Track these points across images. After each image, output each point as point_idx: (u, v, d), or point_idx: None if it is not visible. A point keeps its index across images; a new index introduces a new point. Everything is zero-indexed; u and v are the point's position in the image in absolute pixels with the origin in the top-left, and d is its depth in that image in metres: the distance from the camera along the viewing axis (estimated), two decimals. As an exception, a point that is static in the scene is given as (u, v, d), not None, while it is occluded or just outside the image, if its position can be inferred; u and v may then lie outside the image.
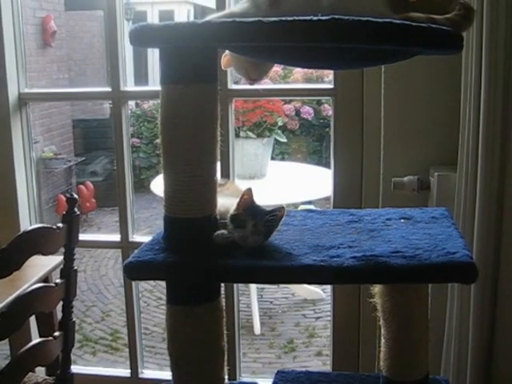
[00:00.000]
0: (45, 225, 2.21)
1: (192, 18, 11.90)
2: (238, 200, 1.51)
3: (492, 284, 2.20)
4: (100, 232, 7.59)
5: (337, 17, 1.19)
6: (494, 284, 2.21)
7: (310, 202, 5.75)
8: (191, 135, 1.44)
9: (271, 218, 1.50)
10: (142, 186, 8.09)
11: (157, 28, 1.34)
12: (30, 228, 2.15)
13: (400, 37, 1.22)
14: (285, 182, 4.99)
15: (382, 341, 1.73)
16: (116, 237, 3.00)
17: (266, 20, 1.21)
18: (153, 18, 11.52)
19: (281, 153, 8.22)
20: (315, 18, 1.18)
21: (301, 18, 1.19)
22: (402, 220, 1.75)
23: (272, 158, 5.56)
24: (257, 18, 1.22)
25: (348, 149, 2.65)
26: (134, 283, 2.98)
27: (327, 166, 8.15)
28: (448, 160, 2.39)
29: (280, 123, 5.31)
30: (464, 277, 1.44)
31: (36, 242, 2.12)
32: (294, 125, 7.88)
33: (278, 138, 5.35)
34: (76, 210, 2.33)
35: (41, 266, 2.54)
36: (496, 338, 2.24)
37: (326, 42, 1.21)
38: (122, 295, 3.19)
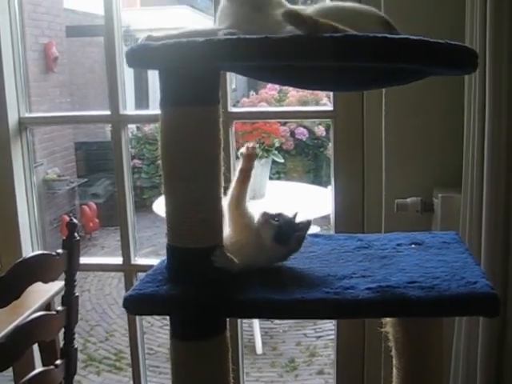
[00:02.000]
0: (44, 252, 2.09)
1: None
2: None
3: (500, 307, 2.05)
4: (104, 251, 7.47)
5: (352, 33, 1.05)
6: (503, 307, 2.05)
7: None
8: (193, 161, 1.29)
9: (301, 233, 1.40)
10: (144, 206, 7.96)
11: (155, 48, 1.19)
12: (29, 255, 2.03)
13: (419, 55, 1.08)
14: (284, 202, 4.90)
15: (394, 371, 1.57)
16: (118, 260, 2.86)
17: (274, 36, 1.06)
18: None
19: (277, 172, 8.12)
20: (328, 36, 1.03)
21: (313, 35, 1.04)
22: (413, 245, 1.61)
23: (269, 178, 5.47)
24: (263, 35, 1.07)
25: (349, 170, 2.52)
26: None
27: (322, 184, 8.09)
28: (452, 180, 2.26)
29: (277, 144, 5.25)
30: (487, 310, 1.28)
31: (35, 270, 2.00)
32: (289, 145, 7.78)
33: (275, 158, 5.26)
34: (76, 235, 2.21)
35: (42, 292, 2.41)
36: (505, 363, 2.09)
37: (338, 60, 1.06)
38: (126, 315, 3.05)
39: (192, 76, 1.23)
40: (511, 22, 1.93)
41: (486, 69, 1.96)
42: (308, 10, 1.24)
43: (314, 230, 7.37)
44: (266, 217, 1.40)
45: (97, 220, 7.89)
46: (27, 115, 2.85)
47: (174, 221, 1.34)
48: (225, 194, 1.41)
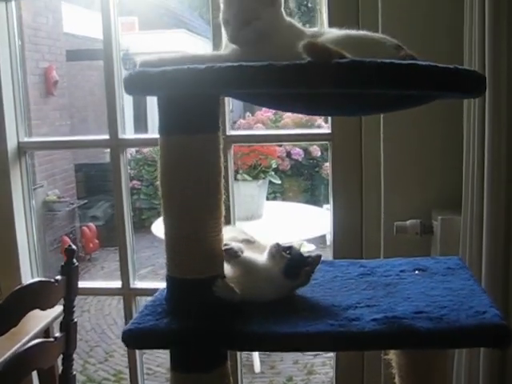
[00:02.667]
0: (42, 279, 2.03)
1: (187, 67, 11.83)
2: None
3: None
4: (103, 271, 7.38)
5: (358, 59, 0.99)
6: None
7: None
8: (193, 189, 1.23)
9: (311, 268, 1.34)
10: (143, 226, 7.89)
11: (154, 75, 1.12)
12: (28, 283, 1.97)
13: (428, 81, 1.02)
14: (281, 222, 4.86)
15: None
16: (117, 283, 2.78)
17: (278, 63, 1.00)
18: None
19: (273, 192, 8.07)
20: (335, 62, 0.97)
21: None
22: (417, 272, 1.54)
23: (266, 198, 5.43)
24: (267, 62, 1.01)
25: (347, 192, 2.46)
26: (134, 314, 2.75)
27: (318, 203, 8.04)
28: (451, 202, 2.20)
29: (274, 165, 5.21)
30: (498, 342, 1.20)
31: (34, 298, 1.94)
32: (285, 166, 7.75)
33: (272, 180, 5.22)
34: (75, 260, 2.14)
35: (40, 317, 2.32)
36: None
37: (346, 87, 1.00)
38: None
39: (192, 103, 1.17)
40: (509, 39, 1.88)
41: (486, 94, 1.90)
42: (319, 38, 1.19)
43: (309, 248, 7.35)
44: (278, 249, 1.33)
45: (96, 241, 7.82)
46: (26, 139, 2.78)
47: (174, 251, 1.27)
48: (225, 223, 1.34)
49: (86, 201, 8.14)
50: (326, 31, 1.27)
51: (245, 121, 7.02)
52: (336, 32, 1.25)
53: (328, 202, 7.66)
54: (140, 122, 11.34)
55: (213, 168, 1.25)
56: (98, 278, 7.02)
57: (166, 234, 1.29)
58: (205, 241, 1.25)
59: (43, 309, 2.00)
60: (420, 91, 1.07)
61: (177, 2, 14.97)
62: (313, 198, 8.57)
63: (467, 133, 2.04)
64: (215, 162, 1.25)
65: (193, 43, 12.12)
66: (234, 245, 1.33)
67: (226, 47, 1.29)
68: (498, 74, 1.89)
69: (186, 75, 1.08)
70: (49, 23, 7.41)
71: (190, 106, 1.18)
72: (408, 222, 2.26)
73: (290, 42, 1.23)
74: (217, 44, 2.43)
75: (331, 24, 2.34)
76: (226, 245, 1.32)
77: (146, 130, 11.62)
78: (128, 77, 1.16)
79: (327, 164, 8.16)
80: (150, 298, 1.42)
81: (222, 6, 1.29)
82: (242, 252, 1.32)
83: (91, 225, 7.84)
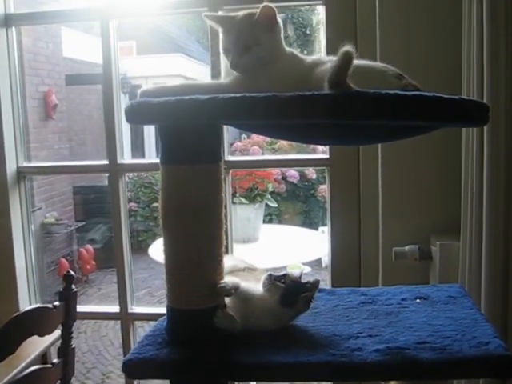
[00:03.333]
0: (41, 305, 1.99)
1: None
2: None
3: None
4: (100, 293, 7.32)
5: (361, 90, 0.97)
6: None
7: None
8: (194, 220, 1.20)
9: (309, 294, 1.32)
10: (139, 248, 7.85)
11: (155, 105, 1.10)
12: (26, 309, 1.93)
13: (433, 112, 0.99)
14: (277, 245, 4.83)
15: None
16: (115, 308, 2.74)
17: (282, 94, 0.98)
18: (147, 90, 11.46)
19: (269, 214, 8.04)
20: (340, 94, 0.95)
21: (326, 92, 0.96)
22: (418, 300, 1.51)
23: (262, 221, 5.40)
24: (270, 94, 0.99)
25: (345, 218, 2.43)
26: (132, 342, 2.72)
27: (313, 225, 8.01)
28: (450, 227, 2.17)
29: (271, 189, 5.19)
30: (502, 373, 1.17)
31: (32, 324, 1.91)
32: (280, 188, 7.72)
33: (269, 203, 5.20)
34: (73, 286, 2.10)
35: (38, 342, 2.28)
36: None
37: (349, 119, 0.97)
38: (122, 356, 2.94)
39: (194, 133, 1.15)
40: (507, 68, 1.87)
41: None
42: (319, 66, 1.17)
43: (305, 269, 7.27)
44: (272, 279, 1.30)
45: (93, 262, 7.77)
46: (25, 164, 2.75)
47: (174, 281, 1.25)
48: (226, 252, 1.32)
49: (83, 223, 8.09)
50: (326, 60, 1.26)
51: (241, 143, 7.01)
52: None
53: (323, 225, 7.62)
54: (137, 145, 11.34)
55: (214, 198, 1.22)
56: (95, 300, 6.97)
57: (166, 264, 1.26)
58: (205, 271, 1.23)
59: (41, 335, 1.97)
60: (425, 122, 1.05)
61: (174, 26, 15.03)
62: (308, 220, 8.53)
63: (466, 158, 2.02)
64: (217, 192, 1.23)
65: (190, 67, 12.16)
66: (229, 281, 1.29)
67: (226, 76, 1.28)
68: (496, 100, 1.87)
69: (188, 106, 1.06)
70: (49, 48, 7.41)
71: (192, 136, 1.16)
72: (407, 248, 2.23)
73: (290, 69, 1.22)
74: (215, 69, 2.42)
75: (329, 51, 2.33)
76: (220, 283, 1.29)
77: (142, 152, 11.62)
78: (129, 107, 1.14)
79: (322, 187, 8.15)
80: (149, 328, 1.39)
81: (221, 35, 1.27)
82: (237, 288, 1.29)
83: (89, 246, 7.80)
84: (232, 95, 1.03)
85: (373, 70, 1.18)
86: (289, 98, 0.98)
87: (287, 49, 1.27)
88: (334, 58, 1.23)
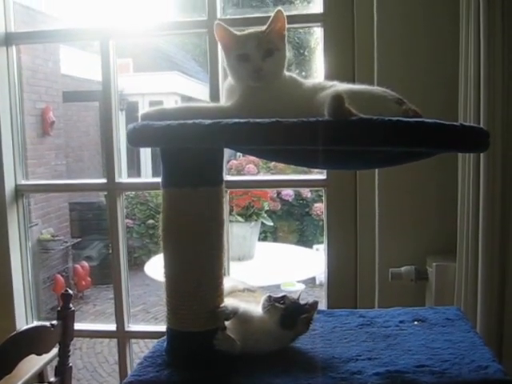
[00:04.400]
0: (38, 324, 1.99)
1: (180, 108, 11.87)
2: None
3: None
4: (95, 309, 7.27)
5: (364, 118, 0.97)
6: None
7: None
8: (195, 242, 1.20)
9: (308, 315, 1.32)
10: (135, 264, 7.83)
11: (158, 128, 1.10)
12: (24, 328, 1.93)
13: (434, 139, 1.00)
14: (272, 263, 4.83)
15: None
16: (112, 326, 2.73)
17: (286, 121, 0.98)
18: (144, 108, 11.45)
19: (264, 232, 8.03)
20: (343, 121, 0.95)
21: (329, 119, 0.96)
22: (416, 322, 1.51)
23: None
24: (274, 119, 0.99)
25: (341, 239, 2.43)
26: (128, 360, 2.70)
27: (308, 243, 7.99)
28: (446, 248, 2.18)
29: (266, 208, 5.19)
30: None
31: (30, 343, 1.90)
32: (275, 206, 7.72)
33: (265, 221, 5.20)
34: (71, 305, 2.09)
35: (35, 360, 2.25)
36: None
37: (353, 145, 0.98)
38: (117, 372, 2.94)
39: (195, 157, 1.15)
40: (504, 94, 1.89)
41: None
42: (320, 91, 1.18)
43: (299, 287, 7.28)
44: (271, 300, 1.30)
45: (89, 279, 7.73)
46: (24, 182, 2.75)
47: (175, 304, 1.24)
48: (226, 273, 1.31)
49: (79, 239, 8.06)
50: (327, 84, 1.26)
51: (237, 161, 7.02)
52: (338, 85, 1.24)
53: (318, 242, 7.61)
54: (133, 160, 11.34)
55: (215, 221, 1.22)
56: (90, 317, 6.92)
57: (166, 286, 1.26)
58: (206, 294, 1.23)
59: (39, 354, 1.96)
60: (427, 149, 1.05)
61: (171, 44, 15.06)
62: (303, 238, 8.52)
63: (462, 179, 2.03)
64: (218, 214, 1.23)
65: (186, 85, 12.18)
66: (229, 304, 1.29)
67: (227, 99, 1.28)
68: (492, 123, 1.88)
69: (191, 130, 1.06)
70: (47, 65, 7.42)
71: (194, 159, 1.16)
72: (403, 269, 2.23)
73: (291, 93, 1.22)
74: (214, 87, 2.43)
75: (327, 72, 2.34)
76: (220, 307, 1.28)
77: (138, 167, 11.61)
78: (132, 130, 1.14)
79: (317, 205, 8.14)
80: (148, 350, 1.39)
81: (233, 46, 1.28)
82: (236, 312, 1.28)
83: (84, 263, 7.76)
84: (235, 121, 1.04)
85: (373, 96, 1.18)
86: (292, 124, 0.99)
87: (286, 73, 1.28)
88: (336, 84, 1.24)
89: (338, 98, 0.99)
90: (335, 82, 1.27)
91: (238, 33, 1.30)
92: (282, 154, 1.18)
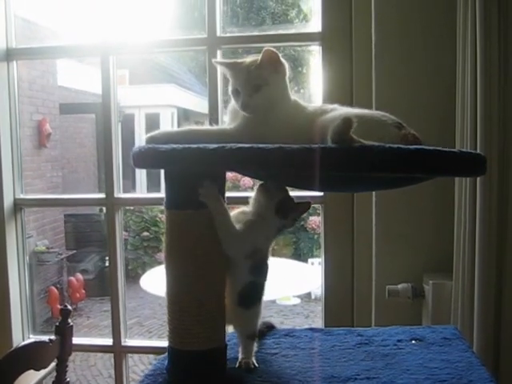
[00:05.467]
0: (37, 340, 1.98)
1: (176, 120, 11.91)
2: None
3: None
4: (89, 321, 7.27)
5: (365, 145, 0.99)
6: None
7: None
8: (198, 263, 1.22)
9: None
10: (129, 277, 7.83)
11: (163, 152, 1.12)
12: (22, 344, 1.92)
13: (433, 166, 1.02)
14: (268, 278, 4.81)
15: None
16: (108, 341, 2.73)
17: (289, 147, 1.00)
18: (140, 120, 11.49)
19: (258, 245, 8.04)
20: (344, 148, 0.98)
21: (333, 146, 0.98)
22: (413, 341, 1.53)
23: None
24: (277, 145, 1.01)
25: (339, 255, 2.45)
26: (124, 375, 2.70)
27: (302, 257, 8.00)
28: (442, 266, 2.19)
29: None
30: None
31: (28, 359, 1.90)
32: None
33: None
34: (69, 321, 2.10)
35: (32, 375, 2.25)
36: None
37: (354, 171, 1.00)
38: (110, 386, 2.94)
39: (199, 179, 1.17)
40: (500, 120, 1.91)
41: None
42: (320, 115, 1.20)
43: (294, 301, 7.25)
44: (268, 187, 1.35)
45: (83, 291, 7.73)
46: (22, 196, 2.77)
47: (176, 323, 1.26)
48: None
49: (74, 251, 8.05)
50: (328, 108, 1.29)
51: (232, 174, 7.05)
52: (338, 110, 1.26)
53: (313, 256, 7.59)
54: (127, 172, 11.34)
55: (217, 242, 1.24)
56: (84, 329, 6.92)
57: (168, 305, 1.27)
58: (207, 313, 1.24)
59: (37, 369, 1.96)
60: (426, 175, 1.08)
61: (167, 56, 15.11)
62: (298, 252, 8.53)
63: (459, 198, 2.05)
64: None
65: (182, 97, 12.20)
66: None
67: (231, 121, 1.31)
68: (489, 144, 1.91)
69: (195, 154, 1.08)
70: (44, 77, 7.44)
71: (197, 181, 1.18)
72: (399, 286, 2.25)
73: (293, 117, 1.25)
74: (212, 102, 2.45)
75: (325, 90, 2.37)
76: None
77: (133, 178, 11.62)
78: (137, 152, 1.16)
79: (312, 218, 8.16)
80: (148, 367, 1.40)
81: (229, 78, 1.31)
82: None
83: (79, 275, 7.76)
84: (239, 146, 1.06)
85: (373, 120, 1.20)
86: (294, 151, 1.01)
87: (292, 97, 1.31)
88: (336, 108, 1.26)
89: (347, 122, 1.02)
90: (336, 106, 1.29)
91: (235, 63, 1.32)
92: (284, 177, 1.20)
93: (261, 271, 1.38)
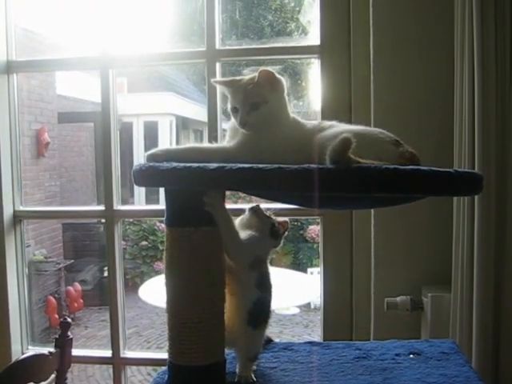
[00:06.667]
0: (37, 353, 1.99)
1: (174, 128, 11.93)
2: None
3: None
4: (87, 331, 7.28)
5: (362, 166, 1.02)
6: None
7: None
8: (197, 280, 1.24)
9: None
10: (127, 286, 7.81)
11: (164, 171, 1.14)
12: (22, 357, 1.94)
13: (429, 186, 1.04)
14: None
15: None
16: (107, 352, 2.75)
17: (288, 167, 1.03)
18: (138, 128, 11.51)
19: (257, 254, 8.04)
20: (342, 169, 1.00)
21: (331, 166, 1.00)
22: (412, 355, 1.55)
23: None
24: (277, 165, 1.04)
25: (337, 268, 2.47)
26: (123, 383, 2.72)
27: (301, 266, 8.01)
28: (441, 278, 2.21)
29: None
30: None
31: (28, 372, 1.92)
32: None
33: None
34: (69, 334, 2.11)
35: (31, 387, 2.28)
36: None
37: (351, 192, 1.02)
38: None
39: (199, 198, 1.19)
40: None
41: (475, 162, 1.94)
42: (319, 132, 1.23)
43: (293, 311, 7.25)
44: (261, 210, 1.46)
45: (81, 300, 7.73)
46: (22, 208, 2.78)
47: (176, 337, 1.28)
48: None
49: (72, 261, 8.06)
50: (326, 125, 1.31)
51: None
52: (336, 127, 1.29)
53: (312, 265, 7.59)
54: (125, 180, 11.35)
55: (217, 259, 1.26)
56: (82, 339, 6.92)
57: (168, 320, 1.29)
58: (207, 328, 1.26)
59: (37, 382, 1.97)
60: (422, 195, 1.10)
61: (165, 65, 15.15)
62: (297, 261, 8.54)
63: (457, 210, 2.07)
64: (220, 253, 1.27)
65: (180, 105, 12.22)
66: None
67: (231, 138, 1.33)
68: (487, 155, 1.93)
69: (196, 174, 1.11)
70: (42, 86, 7.46)
71: (197, 199, 1.20)
72: (398, 299, 2.26)
73: (292, 135, 1.28)
74: (211, 110, 2.48)
75: (324, 103, 2.39)
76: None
77: (131, 187, 11.63)
78: (138, 170, 1.19)
79: (311, 227, 8.18)
80: (149, 381, 1.42)
81: (228, 96, 1.34)
82: None
83: (77, 284, 7.76)
84: (239, 166, 1.08)
85: (370, 138, 1.23)
86: (293, 171, 1.03)
87: (291, 114, 1.33)
88: (334, 125, 1.28)
89: (345, 142, 1.04)
90: (334, 122, 1.32)
91: (233, 81, 1.35)
92: (283, 196, 1.23)
93: (266, 286, 1.42)
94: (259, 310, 1.39)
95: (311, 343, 1.67)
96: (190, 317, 1.25)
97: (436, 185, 1.04)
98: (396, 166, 1.03)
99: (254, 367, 1.43)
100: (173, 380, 1.31)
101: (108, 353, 2.75)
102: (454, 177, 1.06)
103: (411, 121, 2.22)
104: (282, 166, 1.04)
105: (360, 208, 1.74)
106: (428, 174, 1.03)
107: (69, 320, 2.13)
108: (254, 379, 1.39)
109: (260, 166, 1.07)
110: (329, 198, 1.15)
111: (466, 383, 1.34)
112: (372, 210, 2.30)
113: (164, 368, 1.38)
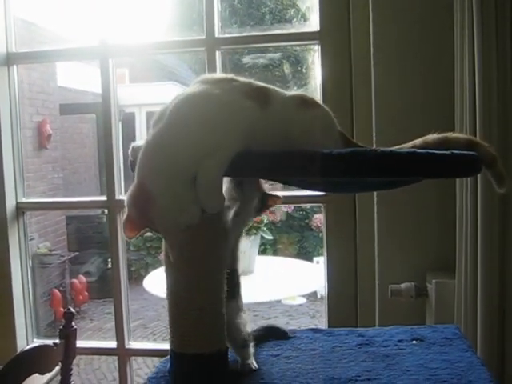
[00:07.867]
0: (42, 344, 2.02)
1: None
2: None
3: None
4: (92, 324, 7.32)
5: (362, 149, 1.03)
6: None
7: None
8: (198, 266, 1.25)
9: None
10: (131, 278, 7.87)
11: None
12: (27, 348, 1.96)
13: (425, 168, 1.05)
14: (273, 278, 4.84)
15: None
16: (112, 343, 2.77)
17: (286, 152, 1.04)
18: (141, 119, 11.53)
19: (263, 244, 8.06)
20: (338, 153, 1.01)
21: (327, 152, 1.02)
22: (414, 341, 1.56)
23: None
24: (277, 151, 1.05)
25: (341, 255, 2.48)
26: (129, 378, 2.75)
27: (307, 255, 8.02)
28: (446, 264, 2.22)
29: (266, 221, 5.22)
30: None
31: (33, 363, 1.94)
32: (275, 217, 7.76)
33: (264, 235, 5.23)
34: (73, 324, 2.13)
35: (36, 379, 2.29)
36: None
37: (350, 175, 1.03)
38: (115, 391, 2.98)
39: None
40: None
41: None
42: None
43: (300, 301, 7.25)
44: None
45: (86, 293, 7.77)
46: (24, 200, 2.80)
47: (178, 327, 1.29)
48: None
49: (76, 253, 8.09)
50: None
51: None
52: None
53: (318, 255, 7.59)
54: (128, 172, 11.36)
55: (219, 247, 1.27)
56: (87, 332, 6.97)
57: (169, 309, 1.30)
58: (209, 316, 1.27)
59: (42, 373, 2.00)
60: (420, 177, 1.11)
61: (166, 54, 15.13)
62: (302, 250, 8.55)
63: (460, 196, 2.08)
64: (222, 240, 1.28)
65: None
66: None
67: None
68: (489, 141, 1.93)
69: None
70: (43, 78, 7.48)
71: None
72: (403, 285, 2.27)
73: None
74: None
75: (325, 89, 2.40)
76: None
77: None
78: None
79: (317, 216, 8.18)
80: (152, 370, 1.43)
81: None
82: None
83: (81, 277, 7.80)
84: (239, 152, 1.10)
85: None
86: (291, 155, 1.04)
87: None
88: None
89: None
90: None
91: None
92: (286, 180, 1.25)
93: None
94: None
95: (313, 330, 1.68)
96: (191, 304, 1.26)
97: (432, 167, 1.05)
98: (393, 150, 1.04)
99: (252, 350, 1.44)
100: (175, 368, 1.32)
101: (113, 344, 2.77)
102: (451, 158, 1.07)
103: (412, 104, 2.22)
104: (284, 151, 1.05)
105: (360, 191, 1.74)
106: (424, 157, 1.04)
107: (72, 311, 2.16)
108: (256, 366, 1.40)
109: (259, 151, 1.08)
110: (326, 182, 1.16)
111: (469, 368, 1.35)
112: (375, 197, 2.31)
113: (168, 357, 1.39)
